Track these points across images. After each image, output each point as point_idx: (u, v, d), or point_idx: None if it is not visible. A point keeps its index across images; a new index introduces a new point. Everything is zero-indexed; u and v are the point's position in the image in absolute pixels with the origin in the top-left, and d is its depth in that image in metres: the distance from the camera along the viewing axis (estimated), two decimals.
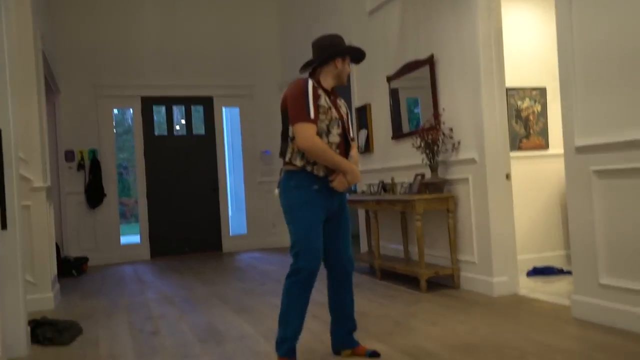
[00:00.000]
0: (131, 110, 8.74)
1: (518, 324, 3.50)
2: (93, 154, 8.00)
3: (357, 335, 3.13)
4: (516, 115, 5.46)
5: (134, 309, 4.69)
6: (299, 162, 2.88)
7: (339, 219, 3.01)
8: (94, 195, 7.92)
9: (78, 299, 5.30)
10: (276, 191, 3.02)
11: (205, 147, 8.74)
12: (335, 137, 2.92)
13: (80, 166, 7.93)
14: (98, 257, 7.84)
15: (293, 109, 2.84)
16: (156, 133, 8.70)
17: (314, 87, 2.86)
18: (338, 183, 2.89)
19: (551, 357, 2.82)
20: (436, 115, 4.91)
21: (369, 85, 6.31)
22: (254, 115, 8.87)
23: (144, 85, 8.37)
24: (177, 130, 9.14)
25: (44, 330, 3.72)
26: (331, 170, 2.89)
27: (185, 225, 8.52)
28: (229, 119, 9.47)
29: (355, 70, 6.59)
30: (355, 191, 6.67)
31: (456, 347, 3.08)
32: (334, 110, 2.93)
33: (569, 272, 4.63)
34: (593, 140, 3.36)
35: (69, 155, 7.90)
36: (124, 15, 8.32)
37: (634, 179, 3.13)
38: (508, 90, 4.90)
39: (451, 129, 4.75)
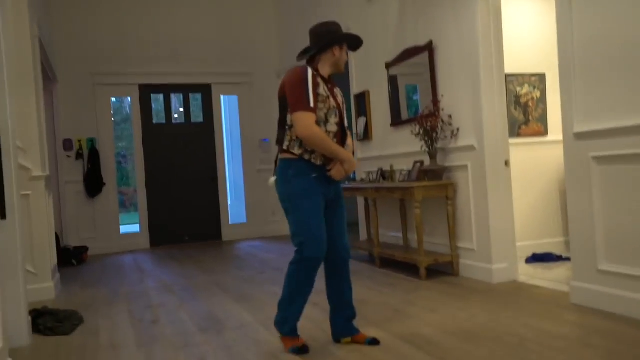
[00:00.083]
0: (129, 98, 8.69)
1: (517, 311, 3.51)
2: (91, 142, 7.99)
3: (357, 323, 3.15)
4: (515, 101, 5.44)
5: (134, 298, 4.71)
6: (297, 151, 2.87)
7: (335, 207, 3.02)
8: (93, 184, 7.92)
9: (78, 289, 5.32)
10: (272, 179, 3.02)
11: (203, 135, 8.72)
12: (332, 125, 2.92)
13: (79, 155, 7.91)
14: (98, 247, 7.87)
15: (292, 98, 2.83)
16: (154, 121, 8.67)
17: (313, 76, 2.85)
18: (336, 172, 2.90)
19: (550, 344, 2.83)
20: (435, 102, 4.89)
21: (367, 72, 6.28)
22: (253, 103, 8.84)
23: (142, 74, 8.32)
24: (176, 118, 9.11)
25: (45, 320, 3.74)
26: (328, 159, 2.89)
27: (184, 213, 8.53)
28: (227, 106, 9.44)
29: (354, 57, 6.56)
30: (354, 179, 6.67)
31: (455, 334, 3.10)
32: (332, 99, 2.93)
33: (568, 259, 4.65)
34: (592, 127, 3.36)
35: (68, 144, 7.88)
36: (122, 3, 8.25)
37: (633, 165, 3.12)
38: (507, 76, 4.88)
39: (450, 116, 4.73)
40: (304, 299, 2.99)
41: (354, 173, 6.80)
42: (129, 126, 11.10)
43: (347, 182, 6.30)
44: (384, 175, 5.56)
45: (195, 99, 9.01)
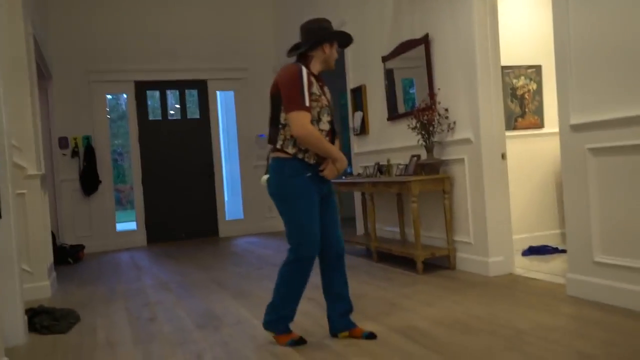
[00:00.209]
0: (125, 95, 8.68)
1: (514, 304, 3.51)
2: (87, 140, 7.97)
3: (354, 317, 3.15)
4: (511, 94, 5.43)
5: (131, 296, 4.70)
6: (290, 150, 2.88)
7: (328, 203, 3.04)
8: (89, 182, 7.90)
9: (75, 287, 5.31)
10: (264, 178, 3.03)
11: (200, 131, 8.70)
12: (325, 124, 2.94)
13: (75, 153, 7.89)
14: (94, 245, 7.85)
15: (288, 97, 2.83)
16: (150, 118, 8.65)
17: (307, 74, 2.84)
18: (328, 171, 2.93)
19: (546, 336, 2.83)
20: (431, 95, 4.88)
21: (364, 66, 6.27)
22: (249, 98, 8.81)
23: (137, 70, 8.30)
24: (172, 114, 9.08)
25: (41, 319, 3.73)
26: (320, 158, 2.91)
27: (181, 210, 8.52)
28: (223, 102, 9.41)
29: (350, 51, 6.55)
30: (351, 173, 6.66)
31: (452, 327, 3.10)
32: (323, 97, 2.94)
33: (564, 251, 4.66)
34: (588, 118, 3.35)
35: (63, 142, 7.86)
36: None
37: (629, 156, 3.12)
38: (503, 68, 4.86)
39: (447, 109, 4.72)
40: (299, 297, 3.03)
41: (351, 168, 6.80)
42: (124, 123, 11.07)
43: (343, 177, 6.29)
44: (380, 169, 5.55)
45: (191, 95, 8.98)
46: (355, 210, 6.80)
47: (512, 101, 5.42)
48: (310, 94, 2.84)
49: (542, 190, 5.51)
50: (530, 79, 5.50)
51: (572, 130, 3.47)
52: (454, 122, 4.67)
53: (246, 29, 8.81)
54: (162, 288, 4.96)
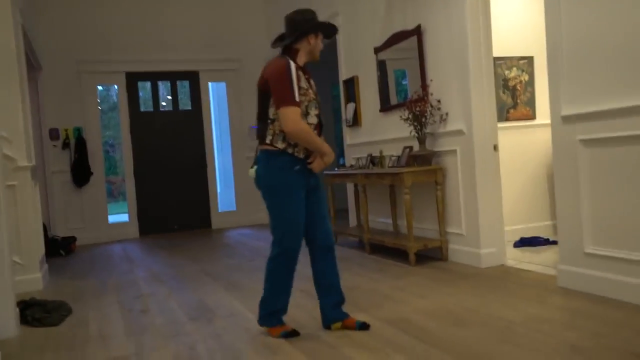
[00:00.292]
0: (116, 86, 8.61)
1: (505, 295, 3.53)
2: (78, 132, 7.91)
3: (347, 309, 3.16)
4: (503, 85, 5.43)
5: (123, 288, 4.69)
6: (280, 145, 2.89)
7: (316, 194, 3.05)
8: (80, 173, 7.85)
9: (67, 279, 5.29)
10: (251, 170, 3.03)
11: (192, 123, 8.66)
12: (313, 118, 2.95)
13: (66, 144, 7.83)
14: (86, 237, 7.82)
15: (278, 92, 2.82)
16: (142, 109, 8.60)
17: (295, 68, 2.84)
18: (316, 165, 2.95)
19: (538, 327, 2.85)
20: (424, 86, 4.87)
21: (356, 57, 6.25)
22: (241, 89, 8.77)
23: (128, 61, 8.23)
24: (164, 106, 9.03)
25: (33, 311, 3.72)
26: (309, 151, 2.92)
27: (173, 202, 8.49)
28: (215, 94, 9.37)
29: (342, 42, 6.53)
30: (344, 164, 6.66)
31: (444, 319, 3.11)
32: (311, 90, 2.95)
33: (555, 242, 4.68)
34: (579, 109, 3.35)
35: (54, 134, 7.80)
36: None
37: (620, 147, 3.13)
38: (495, 59, 4.86)
39: (439, 101, 4.72)
40: (289, 290, 3.05)
41: (343, 159, 6.79)
42: (116, 114, 11.00)
43: (336, 169, 6.29)
44: (373, 161, 5.55)
45: (183, 87, 8.93)
46: (348, 202, 6.80)
47: (504, 92, 5.43)
48: (299, 88, 2.84)
49: (534, 181, 5.54)
50: (522, 70, 5.50)
51: (563, 121, 3.47)
52: (446, 114, 4.67)
53: (238, 20, 8.75)
54: (154, 280, 4.95)
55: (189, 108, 8.77)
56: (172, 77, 8.68)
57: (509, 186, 5.20)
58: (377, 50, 5.70)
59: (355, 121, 6.31)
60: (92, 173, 7.94)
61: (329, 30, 3.09)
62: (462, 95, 4.47)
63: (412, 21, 5.02)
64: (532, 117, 5.53)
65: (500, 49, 5.05)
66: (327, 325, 3.09)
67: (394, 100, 5.59)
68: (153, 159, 8.41)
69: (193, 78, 8.70)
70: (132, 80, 8.38)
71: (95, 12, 8.05)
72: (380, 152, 5.44)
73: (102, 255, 6.80)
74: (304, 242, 3.04)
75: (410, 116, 4.79)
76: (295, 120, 2.80)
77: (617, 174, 3.17)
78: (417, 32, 4.94)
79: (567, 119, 3.44)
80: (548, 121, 3.67)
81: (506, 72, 5.44)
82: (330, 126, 9.97)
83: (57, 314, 3.75)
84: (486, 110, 4.41)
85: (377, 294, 3.82)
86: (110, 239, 8.05)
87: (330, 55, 6.93)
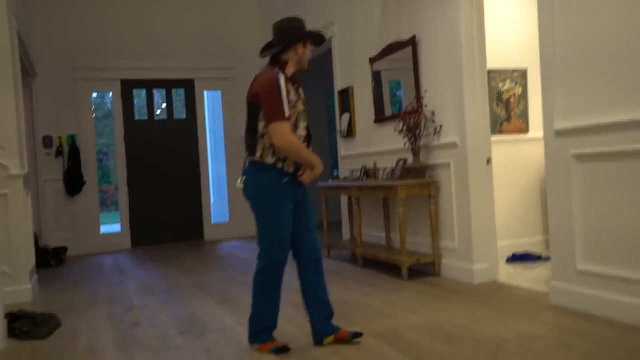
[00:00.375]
0: (110, 93, 8.59)
1: (497, 312, 3.51)
2: (72, 139, 7.86)
3: (339, 324, 3.14)
4: (497, 97, 5.44)
5: (114, 300, 4.65)
6: (269, 159, 2.90)
7: (304, 207, 3.05)
8: (73, 182, 7.78)
9: (56, 291, 5.23)
10: (239, 180, 3.02)
11: (186, 131, 8.63)
12: (302, 130, 2.96)
13: (59, 152, 7.77)
14: (77, 247, 7.73)
15: (268, 107, 2.82)
16: (136, 117, 8.56)
17: (285, 81, 2.85)
18: (306, 177, 2.96)
19: (529, 345, 2.84)
20: (418, 97, 4.87)
21: (351, 67, 6.25)
22: (236, 98, 8.74)
23: (123, 68, 8.20)
24: (158, 114, 9.00)
25: (21, 324, 3.67)
26: (299, 165, 2.93)
27: (166, 213, 8.43)
28: (210, 102, 9.35)
29: (337, 52, 6.53)
30: (337, 176, 6.65)
31: (436, 335, 3.10)
32: (300, 102, 2.95)
33: (547, 258, 4.67)
34: (572, 124, 3.35)
35: (47, 141, 7.75)
36: None
37: (613, 162, 3.13)
38: (489, 71, 4.87)
39: (433, 113, 4.72)
40: (277, 305, 3.03)
41: (337, 170, 6.78)
42: (110, 122, 10.99)
43: (330, 180, 6.28)
44: (367, 173, 5.54)
45: (178, 95, 8.91)
46: (341, 214, 6.78)
47: (497, 105, 5.44)
48: (289, 101, 2.85)
49: (527, 196, 5.53)
50: (516, 83, 5.51)
51: (556, 135, 3.47)
52: (440, 126, 4.66)
53: (233, 29, 8.75)
54: (145, 292, 4.91)
55: (184, 116, 8.75)
56: (168, 85, 8.66)
57: (501, 200, 5.19)
58: (372, 61, 5.71)
59: (350, 132, 6.30)
60: (85, 182, 7.87)
61: (317, 39, 3.10)
62: (456, 107, 4.47)
63: (407, 32, 5.04)
64: (526, 130, 5.53)
65: (494, 61, 5.06)
66: (318, 339, 3.06)
67: (388, 111, 5.59)
68: (147, 168, 8.36)
69: (188, 86, 8.68)
70: (127, 87, 8.35)
71: (91, 19, 8.04)
72: (374, 164, 5.43)
73: (93, 266, 6.74)
74: (290, 256, 3.03)
75: (404, 128, 4.79)
76: (285, 135, 2.80)
77: (610, 189, 3.17)
78: (412, 42, 4.95)
79: (560, 133, 3.44)
80: (541, 134, 3.66)
81: (500, 84, 5.46)
82: (325, 136, 9.97)
83: (46, 327, 3.70)
84: (480, 123, 4.41)
85: (368, 308, 3.80)
86: (101, 250, 7.97)
87: (325, 65, 6.95)
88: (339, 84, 6.58)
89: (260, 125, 2.89)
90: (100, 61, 8.05)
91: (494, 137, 4.97)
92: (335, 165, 7.64)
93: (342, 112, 6.51)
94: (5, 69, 4.73)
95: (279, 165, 2.90)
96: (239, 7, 8.83)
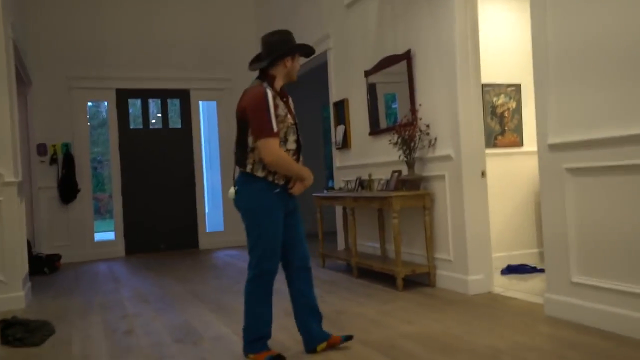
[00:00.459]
0: (106, 103, 8.60)
1: (492, 323, 3.53)
2: (66, 147, 7.86)
3: (334, 333, 3.16)
4: (491, 111, 5.50)
5: (108, 308, 4.63)
6: (260, 173, 2.93)
7: (294, 217, 3.08)
8: (67, 190, 7.77)
9: (50, 298, 5.21)
10: (231, 191, 3.03)
11: (181, 141, 8.64)
12: (291, 144, 2.98)
13: (53, 160, 7.77)
14: (71, 254, 7.71)
15: (257, 124, 2.86)
16: (131, 126, 8.58)
17: (273, 97, 2.88)
18: (297, 189, 3.00)
19: (524, 356, 2.85)
20: (413, 110, 4.92)
21: (346, 80, 6.30)
22: (231, 109, 8.71)
23: (119, 78, 8.23)
24: (153, 123, 9.02)
25: (14, 331, 3.65)
26: (289, 177, 2.96)
27: (161, 221, 8.42)
28: (205, 112, 9.37)
29: (332, 64, 6.58)
30: (332, 187, 6.67)
31: (431, 346, 3.10)
32: (289, 116, 2.98)
33: (542, 270, 4.69)
34: (566, 138, 3.39)
35: (42, 149, 7.74)
36: (99, 5, 8.16)
37: (606, 176, 3.17)
38: (484, 86, 4.93)
39: (428, 125, 4.76)
40: (270, 314, 3.03)
41: (332, 181, 6.80)
42: (105, 131, 10.98)
43: (325, 191, 6.30)
44: (362, 184, 5.57)
45: (174, 105, 8.93)
46: (336, 225, 6.79)
47: (492, 119, 5.49)
48: (277, 116, 2.87)
49: (521, 208, 5.57)
50: (510, 97, 5.58)
51: (550, 149, 3.51)
52: (435, 139, 4.70)
53: (229, 40, 8.79)
54: (140, 300, 4.89)
55: (179, 126, 8.76)
56: (163, 95, 8.68)
57: (496, 213, 5.22)
58: (367, 74, 5.76)
59: (345, 144, 6.33)
60: (79, 190, 7.86)
61: (305, 51, 3.12)
62: (450, 120, 4.51)
63: (402, 45, 5.09)
64: (520, 144, 5.59)
65: (488, 75, 5.12)
66: (312, 347, 3.07)
67: (383, 123, 5.63)
68: (141, 176, 8.36)
69: (184, 96, 8.71)
70: (123, 97, 8.37)
71: (87, 28, 8.07)
72: (369, 175, 5.46)
73: (87, 273, 6.71)
74: (280, 266, 3.05)
75: (399, 140, 4.82)
76: (274, 151, 2.84)
77: (604, 203, 3.20)
78: (407, 56, 5.00)
79: (553, 147, 3.48)
80: (535, 148, 3.70)
81: (494, 98, 5.52)
82: (320, 147, 10.00)
83: (40, 334, 3.68)
84: (474, 136, 4.45)
85: (363, 318, 3.80)
86: (95, 258, 7.95)
87: (321, 77, 7.00)
88: (334, 96, 6.62)
89: (250, 140, 2.92)
90: (96, 71, 8.07)
91: (489, 151, 5.02)
92: (330, 176, 7.66)
93: (337, 123, 6.54)
94: (0, 77, 4.74)
95: (270, 178, 2.93)
96: (236, 19, 8.88)
